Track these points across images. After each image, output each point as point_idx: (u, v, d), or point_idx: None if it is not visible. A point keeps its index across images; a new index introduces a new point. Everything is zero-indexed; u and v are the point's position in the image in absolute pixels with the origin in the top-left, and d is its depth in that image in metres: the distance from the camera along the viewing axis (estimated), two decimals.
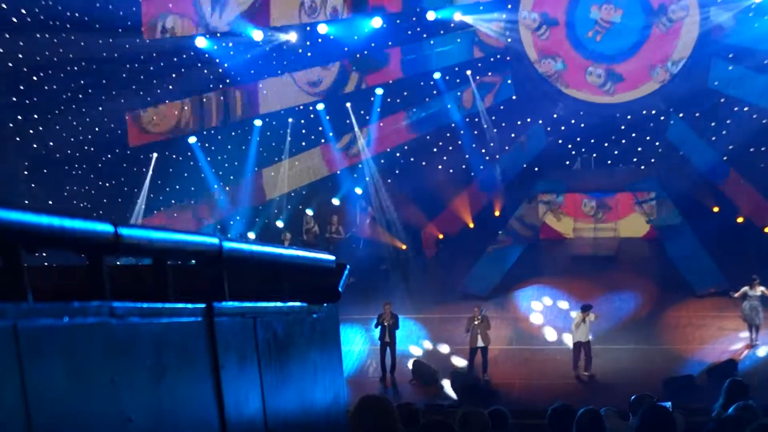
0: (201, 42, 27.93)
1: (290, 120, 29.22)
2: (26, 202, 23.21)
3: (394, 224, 29.08)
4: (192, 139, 28.58)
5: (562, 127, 29.06)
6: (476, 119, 29.53)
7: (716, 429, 7.60)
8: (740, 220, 27.52)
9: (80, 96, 26.01)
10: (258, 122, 28.98)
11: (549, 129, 29.27)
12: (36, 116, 25.20)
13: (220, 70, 28.58)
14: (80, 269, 2.24)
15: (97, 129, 26.72)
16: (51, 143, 25.47)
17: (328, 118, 29.21)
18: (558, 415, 8.08)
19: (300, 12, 28.52)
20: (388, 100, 29.35)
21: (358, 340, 23.68)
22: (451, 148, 29.85)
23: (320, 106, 29.17)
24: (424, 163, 29.77)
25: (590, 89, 28.92)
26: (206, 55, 28.24)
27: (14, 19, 24.58)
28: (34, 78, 25.10)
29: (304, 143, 29.68)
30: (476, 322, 21.61)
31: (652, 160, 28.79)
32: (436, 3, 28.45)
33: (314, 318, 3.40)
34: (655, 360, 22.21)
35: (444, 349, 23.50)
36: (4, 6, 24.12)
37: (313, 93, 29.31)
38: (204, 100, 28.87)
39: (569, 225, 29.09)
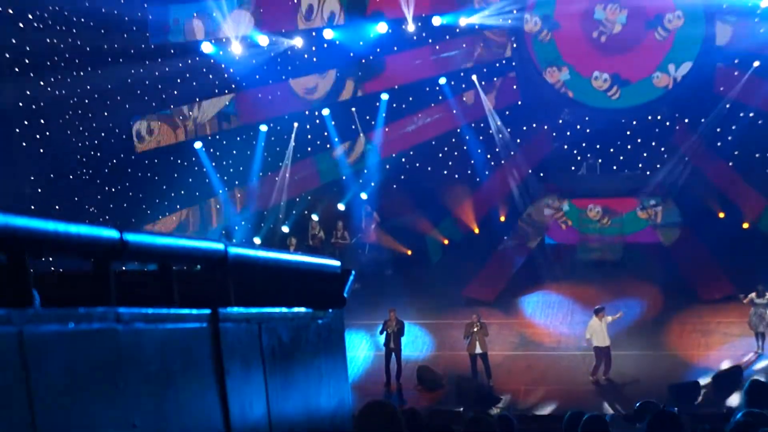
0: (207, 47, 27.97)
1: (296, 125, 29.26)
2: (33, 207, 23.25)
3: (399, 229, 29.10)
4: (197, 144, 28.61)
5: (568, 133, 29.09)
6: (481, 124, 29.56)
7: None
8: (746, 225, 27.48)
9: (86, 101, 26.05)
10: (263, 127, 29.00)
11: (555, 134, 29.30)
12: (43, 121, 25.23)
13: (226, 76, 28.62)
14: (86, 275, 2.24)
15: (103, 134, 26.75)
16: (58, 148, 25.48)
17: (333, 123, 29.24)
18: (573, 420, 8.10)
19: (298, 17, 28.61)
20: (394, 105, 29.37)
21: (364, 346, 23.67)
22: (456, 153, 29.87)
23: (326, 111, 29.20)
24: (429, 169, 29.79)
25: (595, 94, 28.90)
26: (212, 61, 28.27)
27: (21, 24, 24.61)
28: (41, 83, 25.12)
29: (309, 149, 29.71)
30: (475, 329, 21.61)
31: (658, 166, 28.77)
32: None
33: (319, 323, 3.39)
34: (661, 366, 22.17)
35: (449, 354, 23.46)
36: (11, 11, 24.15)
37: (310, 100, 29.41)
38: (205, 105, 28.91)
39: (575, 231, 29.07)
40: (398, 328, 22.06)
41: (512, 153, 29.61)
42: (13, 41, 24.45)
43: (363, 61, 29.08)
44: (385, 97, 29.23)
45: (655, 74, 28.41)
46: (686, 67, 28.23)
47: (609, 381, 21.63)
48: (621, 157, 29.06)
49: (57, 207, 24.30)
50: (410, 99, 29.45)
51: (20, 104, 24.77)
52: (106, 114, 26.60)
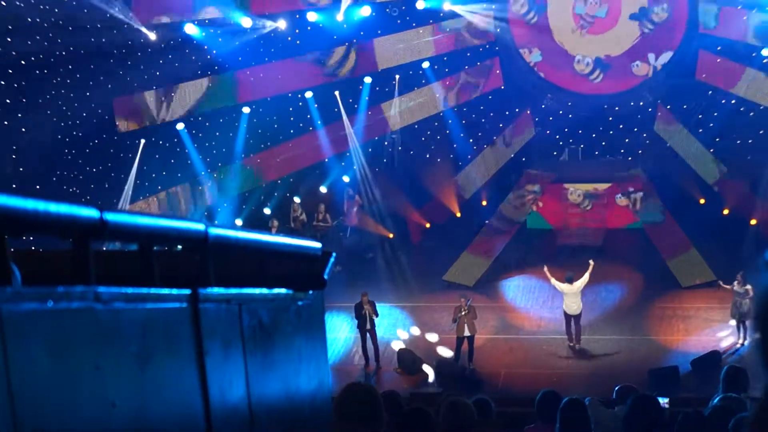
0: (190, 29, 27.82)
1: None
2: (13, 186, 23.15)
3: (381, 213, 29.12)
4: (180, 126, 28.50)
5: (550, 118, 29.11)
6: (464, 109, 29.56)
7: (703, 419, 7.63)
8: (726, 212, 27.60)
9: (68, 81, 25.92)
10: (246, 109, 28.92)
11: (537, 119, 29.33)
12: (24, 100, 25.11)
13: (209, 57, 28.49)
14: (66, 254, 2.23)
15: (84, 114, 26.62)
16: (39, 128, 25.36)
17: (316, 106, 29.17)
18: (547, 400, 8.13)
19: None
20: (377, 88, 29.33)
21: (344, 328, 23.71)
22: (439, 137, 29.88)
23: (308, 94, 29.11)
24: (411, 152, 29.79)
25: (575, 79, 28.88)
26: (194, 42, 28.14)
27: (3, 3, 24.48)
28: (23, 62, 25.00)
29: (292, 131, 29.64)
30: (463, 312, 21.68)
31: (640, 152, 28.85)
32: None
33: (299, 305, 3.39)
34: (641, 350, 22.31)
35: (429, 337, 23.54)
36: None
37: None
38: (186, 88, 28.77)
39: (556, 216, 29.11)
40: (372, 309, 22.15)
41: (494, 138, 29.64)
42: None
43: (346, 44, 29.01)
44: (368, 80, 29.18)
45: (634, 63, 28.46)
46: (667, 56, 28.29)
47: (580, 351, 22.05)
48: (603, 143, 29.13)
49: (38, 187, 24.21)
50: (393, 83, 29.43)
51: (2, 82, 24.64)
52: (87, 94, 26.46)
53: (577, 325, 22.57)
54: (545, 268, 23.19)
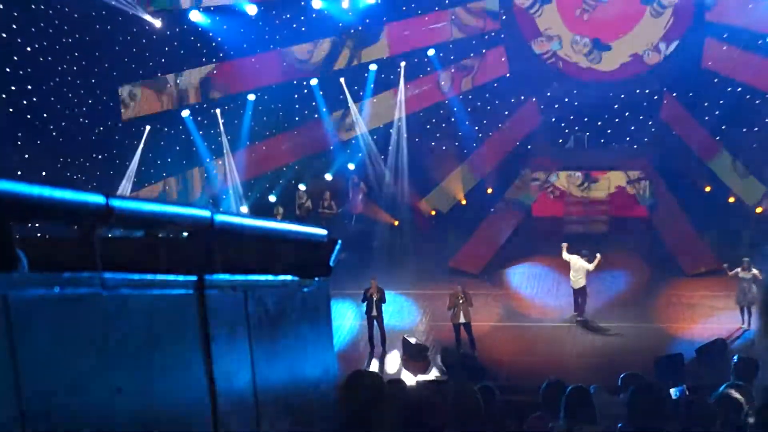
0: (195, 16, 27.81)
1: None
2: (19, 173, 23.13)
3: (386, 200, 29.12)
4: (185, 113, 28.50)
5: (556, 105, 29.09)
6: (469, 96, 29.52)
7: (707, 406, 7.63)
8: (731, 199, 27.58)
9: (74, 68, 25.92)
10: (251, 97, 28.91)
11: (542, 107, 29.29)
12: (30, 87, 25.09)
13: (214, 44, 28.49)
14: (72, 241, 2.23)
15: (90, 101, 26.63)
16: (44, 114, 25.36)
17: (321, 93, 29.16)
18: (552, 389, 8.12)
19: None
20: (382, 75, 29.30)
21: (349, 315, 23.70)
22: (444, 125, 29.86)
23: (314, 82, 29.12)
24: (417, 140, 29.77)
25: (583, 67, 28.89)
26: (200, 29, 28.13)
27: None
28: (28, 49, 24.98)
29: (297, 118, 29.64)
30: (460, 301, 21.70)
31: (645, 140, 28.82)
32: None
33: (305, 292, 3.39)
34: (646, 338, 22.27)
35: (435, 325, 23.52)
36: None
37: (303, 69, 29.23)
38: (191, 75, 28.76)
39: (560, 204, 29.10)
40: (380, 295, 22.15)
41: (500, 125, 29.62)
42: (1, 6, 24.29)
43: (352, 31, 28.99)
44: (373, 68, 29.16)
45: (645, 52, 28.45)
46: (675, 44, 28.32)
47: (587, 337, 22.24)
48: (609, 131, 29.10)
49: (43, 173, 24.22)
50: (398, 70, 29.40)
51: (7, 69, 24.62)
52: (93, 81, 26.47)
53: (583, 298, 23.04)
54: (564, 246, 23.41)
